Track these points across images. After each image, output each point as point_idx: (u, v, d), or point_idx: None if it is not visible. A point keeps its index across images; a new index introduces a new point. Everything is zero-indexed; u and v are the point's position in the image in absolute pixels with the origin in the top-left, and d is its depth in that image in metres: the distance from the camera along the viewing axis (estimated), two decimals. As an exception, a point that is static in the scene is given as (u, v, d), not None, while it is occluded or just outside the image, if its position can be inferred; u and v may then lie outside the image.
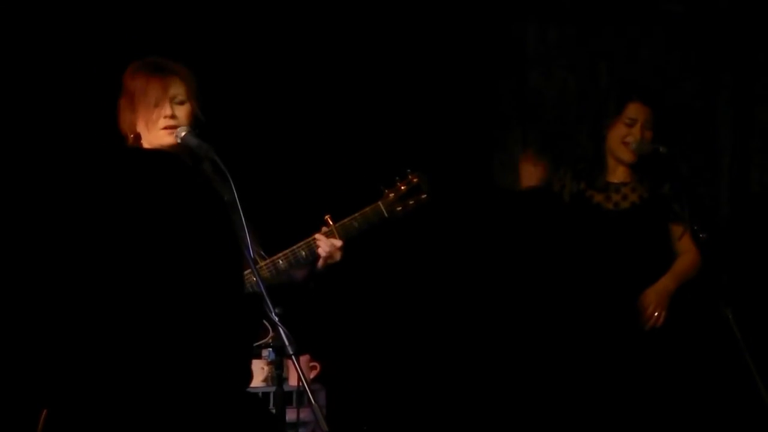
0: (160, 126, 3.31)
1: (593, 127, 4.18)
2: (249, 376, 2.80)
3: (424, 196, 3.60)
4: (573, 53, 5.16)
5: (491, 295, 4.95)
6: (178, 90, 3.34)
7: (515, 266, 4.85)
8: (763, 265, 4.83)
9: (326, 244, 3.41)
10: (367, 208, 3.51)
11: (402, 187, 3.57)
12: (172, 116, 3.30)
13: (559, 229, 4.16)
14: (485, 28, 5.09)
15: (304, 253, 3.42)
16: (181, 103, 3.35)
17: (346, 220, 3.47)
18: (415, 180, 3.59)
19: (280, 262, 3.40)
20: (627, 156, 4.05)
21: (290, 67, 4.76)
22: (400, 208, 3.55)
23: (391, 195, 3.55)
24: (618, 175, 4.11)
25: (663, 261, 4.08)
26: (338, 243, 3.42)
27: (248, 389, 3.60)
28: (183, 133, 3.26)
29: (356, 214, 3.49)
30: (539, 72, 5.17)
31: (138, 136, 3.32)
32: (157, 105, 3.29)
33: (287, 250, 3.42)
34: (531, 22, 5.15)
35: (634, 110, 4.04)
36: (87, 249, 1.09)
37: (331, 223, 3.45)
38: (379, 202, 3.53)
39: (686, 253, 4.02)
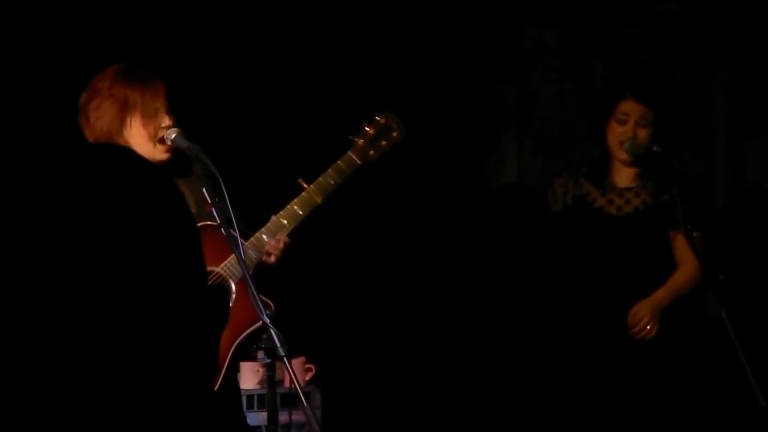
0: (158, 137, 3.22)
1: (593, 128, 4.16)
2: (214, 367, 2.77)
3: (395, 134, 3.57)
4: (568, 53, 5.15)
5: (487, 298, 4.94)
6: (165, 99, 3.30)
7: (511, 269, 4.84)
8: (759, 264, 4.82)
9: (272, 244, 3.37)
10: (339, 161, 3.46)
11: (371, 131, 3.53)
12: (172, 126, 3.25)
13: (554, 232, 4.14)
14: (481, 28, 5.09)
15: (285, 221, 3.38)
16: (168, 111, 3.29)
17: (320, 178, 3.43)
18: (383, 121, 3.56)
19: (264, 236, 3.36)
20: (622, 155, 4.03)
21: (284, 67, 4.77)
22: (372, 152, 3.52)
23: (361, 141, 3.51)
24: (623, 176, 4.08)
25: (662, 267, 4.04)
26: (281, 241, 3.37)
27: (240, 391, 3.55)
28: (173, 135, 3.20)
29: (329, 170, 3.44)
30: (534, 71, 5.16)
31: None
32: (155, 116, 3.22)
33: (269, 222, 3.37)
34: (527, 21, 5.14)
35: (626, 107, 4.02)
36: (39, 242, 1.07)
37: (305, 185, 3.40)
38: (350, 152, 3.49)
39: (686, 264, 3.97)
